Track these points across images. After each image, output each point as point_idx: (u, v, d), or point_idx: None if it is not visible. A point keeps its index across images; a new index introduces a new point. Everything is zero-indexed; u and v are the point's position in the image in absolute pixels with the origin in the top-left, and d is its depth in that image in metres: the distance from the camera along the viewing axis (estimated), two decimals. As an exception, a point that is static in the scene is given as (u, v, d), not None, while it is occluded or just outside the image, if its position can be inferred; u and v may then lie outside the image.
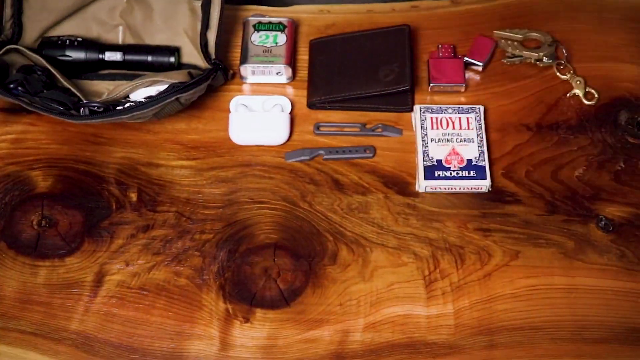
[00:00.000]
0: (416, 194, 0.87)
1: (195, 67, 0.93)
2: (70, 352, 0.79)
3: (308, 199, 0.87)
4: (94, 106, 0.86)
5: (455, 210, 0.86)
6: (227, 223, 0.86)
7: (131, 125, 0.91)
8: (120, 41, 0.95)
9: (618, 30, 0.98)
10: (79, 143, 0.90)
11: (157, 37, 0.94)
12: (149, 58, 0.92)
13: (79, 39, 0.92)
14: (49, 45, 0.92)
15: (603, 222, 0.86)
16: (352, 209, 0.86)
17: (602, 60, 0.96)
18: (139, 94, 0.88)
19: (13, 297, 0.81)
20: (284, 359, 0.79)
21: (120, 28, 0.95)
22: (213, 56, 0.91)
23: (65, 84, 0.89)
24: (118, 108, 0.87)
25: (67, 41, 0.92)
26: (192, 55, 0.94)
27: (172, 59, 0.92)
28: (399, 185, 0.88)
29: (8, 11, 0.91)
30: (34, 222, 0.85)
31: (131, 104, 0.87)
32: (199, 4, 0.92)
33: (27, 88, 0.86)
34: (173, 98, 0.85)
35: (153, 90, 0.87)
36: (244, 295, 0.81)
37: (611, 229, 0.85)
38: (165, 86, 0.87)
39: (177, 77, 0.87)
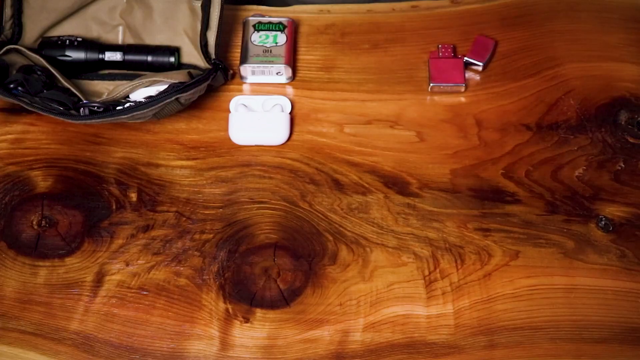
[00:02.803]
0: (416, 194, 0.87)
1: (195, 67, 0.93)
2: (70, 352, 0.79)
3: (308, 199, 0.87)
4: (94, 106, 0.86)
5: (455, 210, 0.86)
6: (227, 223, 0.86)
7: (131, 125, 0.91)
8: (120, 41, 0.95)
9: (618, 30, 0.98)
10: (79, 143, 0.90)
11: (157, 37, 0.94)
12: (149, 58, 0.92)
13: (79, 39, 0.92)
14: (48, 45, 0.92)
15: (603, 222, 0.86)
16: (352, 209, 0.86)
17: (602, 60, 0.96)
18: (139, 94, 0.88)
19: (13, 297, 0.81)
20: (284, 359, 0.79)
21: (120, 28, 0.95)
22: (213, 56, 0.91)
23: (65, 84, 0.89)
24: (118, 108, 0.87)
25: (67, 41, 0.92)
26: (192, 55, 0.94)
27: (172, 59, 0.92)
28: (399, 185, 0.88)
29: (8, 11, 0.91)
30: (34, 222, 0.85)
31: (131, 104, 0.87)
32: (198, 4, 0.92)
33: (27, 88, 0.86)
34: (173, 98, 0.85)
35: (153, 90, 0.87)
36: (244, 295, 0.81)
37: (611, 229, 0.85)
38: (165, 86, 0.87)
39: (177, 77, 0.87)
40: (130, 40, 0.95)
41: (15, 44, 0.91)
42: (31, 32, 0.93)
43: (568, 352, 0.79)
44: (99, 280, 0.82)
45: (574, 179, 0.88)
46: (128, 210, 0.86)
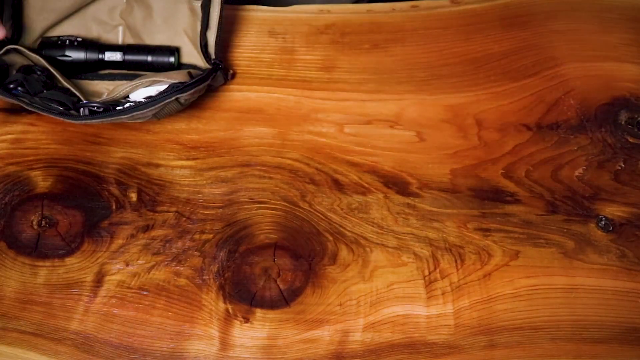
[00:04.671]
0: (416, 194, 0.87)
1: (195, 67, 0.93)
2: (70, 352, 0.79)
3: (308, 199, 0.87)
4: (94, 106, 0.86)
5: (455, 210, 0.86)
6: (227, 223, 0.86)
7: (131, 125, 0.91)
8: (120, 41, 0.95)
9: (618, 30, 0.98)
10: (79, 143, 0.90)
11: (157, 37, 0.94)
12: (149, 58, 0.92)
13: (79, 39, 0.92)
14: (48, 45, 0.92)
15: (603, 222, 0.86)
16: (352, 209, 0.87)
17: (602, 60, 0.96)
18: (139, 94, 0.88)
19: (13, 297, 0.81)
20: (284, 359, 0.79)
21: (120, 28, 0.95)
22: (213, 56, 0.91)
23: (65, 84, 0.89)
24: (118, 108, 0.87)
25: (67, 41, 0.92)
26: (192, 55, 0.94)
27: (172, 59, 0.92)
28: (399, 185, 0.88)
29: (8, 11, 0.91)
30: (34, 222, 0.85)
31: (131, 104, 0.87)
32: (198, 4, 0.92)
33: (27, 88, 0.86)
34: (173, 98, 0.85)
35: (153, 90, 0.87)
36: (244, 295, 0.81)
37: (611, 229, 0.85)
38: (165, 86, 0.87)
39: (177, 77, 0.87)
40: (130, 40, 0.95)
41: (16, 44, 0.91)
42: (31, 32, 0.93)
43: (568, 352, 0.79)
44: (99, 280, 0.82)
45: (574, 179, 0.88)
46: (128, 210, 0.86)
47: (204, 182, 0.88)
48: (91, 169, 0.89)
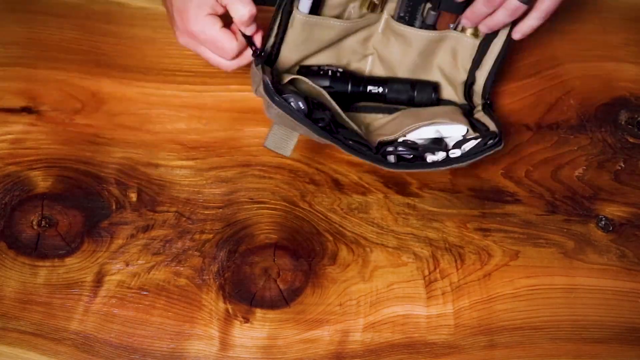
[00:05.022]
0: (416, 194, 0.87)
1: (452, 103, 0.91)
2: (70, 352, 0.79)
3: (308, 199, 0.87)
4: (401, 152, 0.83)
5: (455, 210, 0.86)
6: (227, 223, 0.86)
7: (131, 125, 0.91)
8: (367, 70, 0.92)
9: (618, 30, 0.98)
10: (79, 143, 0.90)
11: (413, 71, 0.91)
12: (412, 93, 0.89)
13: (340, 70, 0.89)
14: (308, 74, 0.88)
15: (603, 222, 0.86)
16: (352, 209, 0.87)
17: (602, 60, 0.96)
18: (418, 133, 0.86)
19: (13, 297, 0.81)
20: (284, 359, 0.79)
21: (370, 57, 0.92)
22: (481, 95, 0.88)
23: (350, 123, 0.85)
24: (430, 159, 0.83)
25: (330, 72, 0.89)
26: (445, 91, 0.91)
27: (434, 95, 0.89)
28: (398, 185, 0.88)
29: (271, 40, 0.87)
30: (34, 222, 0.85)
31: (443, 156, 0.83)
32: (470, 42, 0.88)
33: (332, 127, 0.82)
34: (491, 152, 0.81)
35: (432, 131, 0.85)
36: (244, 295, 0.81)
37: (611, 229, 0.86)
38: (447, 126, 0.84)
39: (456, 117, 0.85)
40: (379, 70, 0.92)
41: (271, 67, 0.88)
42: (286, 59, 0.89)
43: (568, 352, 0.79)
44: (99, 280, 0.82)
45: (574, 179, 0.88)
46: (128, 210, 0.86)
47: (204, 182, 0.88)
48: (91, 169, 0.89)
